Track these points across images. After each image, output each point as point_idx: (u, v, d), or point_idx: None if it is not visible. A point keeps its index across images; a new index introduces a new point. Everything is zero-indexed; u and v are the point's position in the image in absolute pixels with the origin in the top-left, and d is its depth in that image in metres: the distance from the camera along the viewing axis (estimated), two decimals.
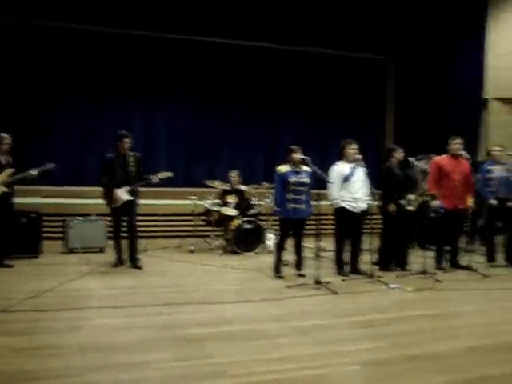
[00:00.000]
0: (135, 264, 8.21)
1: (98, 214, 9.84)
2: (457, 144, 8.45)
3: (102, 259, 8.72)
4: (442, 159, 8.56)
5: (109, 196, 8.07)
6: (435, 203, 8.25)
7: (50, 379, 3.91)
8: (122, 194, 8.01)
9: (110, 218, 8.65)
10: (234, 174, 10.47)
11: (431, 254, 8.75)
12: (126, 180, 8.06)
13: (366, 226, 8.15)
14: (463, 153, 8.45)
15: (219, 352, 4.52)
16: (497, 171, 9.02)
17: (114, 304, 5.99)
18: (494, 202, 8.93)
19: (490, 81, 14.67)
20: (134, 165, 8.16)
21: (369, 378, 4.06)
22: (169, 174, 8.47)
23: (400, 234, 8.42)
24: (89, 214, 9.93)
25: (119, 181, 8.03)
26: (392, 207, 8.13)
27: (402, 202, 8.31)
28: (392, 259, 8.40)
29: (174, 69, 14.14)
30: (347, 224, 7.90)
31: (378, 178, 8.39)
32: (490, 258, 9.07)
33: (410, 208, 8.65)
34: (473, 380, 4.04)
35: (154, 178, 8.25)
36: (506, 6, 14.57)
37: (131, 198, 8.09)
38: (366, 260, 8.11)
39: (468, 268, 8.39)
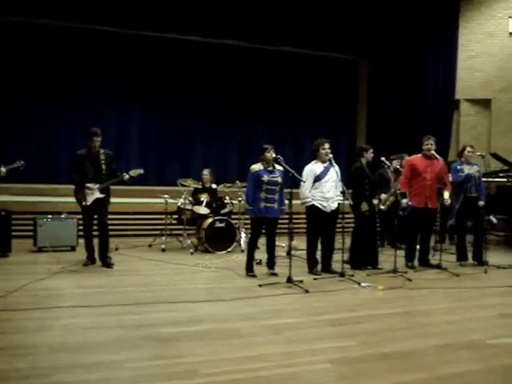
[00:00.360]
0: (106, 263, 8.13)
1: (69, 213, 9.74)
2: (428, 144, 8.56)
3: (73, 258, 8.63)
4: (415, 159, 8.69)
5: (79, 194, 7.97)
6: (404, 201, 8.33)
7: (18, 380, 3.85)
8: (93, 192, 7.93)
9: (80, 216, 8.55)
10: (206, 173, 10.44)
11: (402, 252, 8.84)
12: (97, 178, 7.97)
13: (337, 225, 8.19)
14: (433, 152, 8.54)
15: (190, 351, 4.50)
16: (467, 171, 9.11)
17: (84, 303, 5.93)
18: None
19: (461, 82, 14.88)
20: (105, 162, 8.06)
21: (339, 377, 4.08)
22: (140, 171, 8.40)
23: (371, 233, 8.49)
24: (60, 213, 9.82)
25: (90, 178, 7.92)
26: (364, 207, 8.19)
27: (375, 201, 8.40)
28: (363, 258, 8.46)
29: (146, 67, 14.08)
30: (319, 223, 7.95)
31: (349, 178, 8.44)
32: (461, 257, 9.17)
33: (382, 207, 8.72)
34: (441, 377, 4.09)
35: (126, 176, 8.17)
36: (477, 7, 14.78)
37: (102, 195, 8.00)
38: (338, 259, 8.15)
39: (438, 267, 8.48)
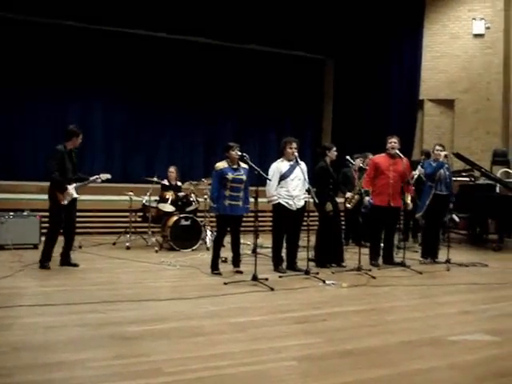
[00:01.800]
0: (71, 262, 7.99)
1: (31, 210, 9.59)
2: (391, 143, 8.65)
3: (36, 256, 8.46)
4: (379, 157, 8.78)
5: (59, 192, 7.67)
6: (367, 199, 8.42)
7: None
8: (72, 191, 7.81)
9: (47, 214, 8.27)
10: (172, 170, 10.39)
11: (367, 250, 8.91)
12: (73, 176, 7.87)
13: (303, 223, 8.22)
14: (396, 151, 8.62)
15: (154, 349, 4.47)
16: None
17: (46, 302, 5.84)
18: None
19: (425, 82, 15.08)
20: (76, 160, 7.98)
21: (304, 374, 4.09)
22: (108, 176, 8.32)
23: (336, 232, 8.55)
24: (22, 210, 9.64)
25: (69, 177, 7.77)
26: (328, 207, 8.25)
27: (340, 200, 8.48)
28: (328, 256, 8.51)
29: (111, 63, 13.96)
30: (284, 221, 7.97)
31: (314, 177, 8.47)
32: (426, 252, 9.26)
33: (348, 206, 8.77)
34: (405, 373, 4.13)
35: (98, 180, 8.11)
36: (442, 9, 14.98)
37: (77, 196, 7.92)
38: (303, 257, 8.18)
39: (402, 264, 8.57)
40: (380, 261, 8.81)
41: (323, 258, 8.47)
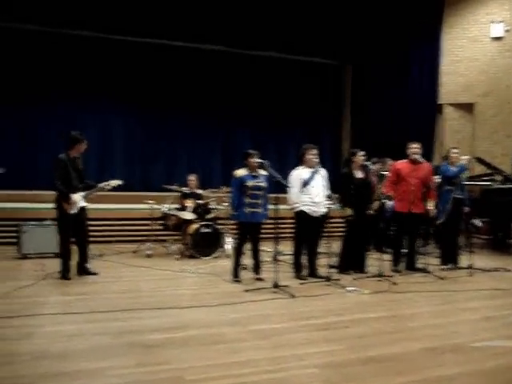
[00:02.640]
0: (89, 271, 7.99)
1: (52, 219, 9.66)
2: (413, 148, 8.60)
3: (57, 265, 8.52)
4: (400, 163, 8.74)
5: (65, 202, 7.58)
6: (389, 203, 8.38)
7: None
8: (79, 200, 7.75)
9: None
10: (192, 178, 10.42)
11: (388, 256, 8.86)
12: (79, 184, 7.79)
13: (324, 230, 8.19)
14: (418, 157, 8.57)
15: (176, 357, 4.47)
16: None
17: (68, 310, 5.88)
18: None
19: (444, 86, 14.98)
20: (81, 168, 7.87)
21: (327, 381, 4.07)
22: (119, 182, 8.19)
23: (361, 238, 8.50)
24: (43, 219, 9.72)
25: (74, 185, 7.68)
26: (348, 211, 8.23)
27: (372, 206, 8.47)
28: (351, 262, 8.47)
29: (130, 73, 14.00)
30: (307, 228, 7.95)
31: (336, 182, 8.45)
32: (445, 260, 9.19)
33: (370, 212, 8.73)
34: (428, 380, 4.09)
35: (107, 187, 8.00)
36: (460, 12, 14.89)
37: (86, 204, 7.86)
38: (324, 263, 8.15)
39: (424, 270, 8.50)
40: (402, 267, 8.75)
41: (346, 264, 8.43)
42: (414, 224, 8.75)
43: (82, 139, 7.81)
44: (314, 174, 7.97)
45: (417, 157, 8.56)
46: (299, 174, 7.99)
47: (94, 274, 7.98)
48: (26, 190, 12.12)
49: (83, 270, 7.97)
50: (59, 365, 4.25)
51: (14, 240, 9.52)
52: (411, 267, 8.77)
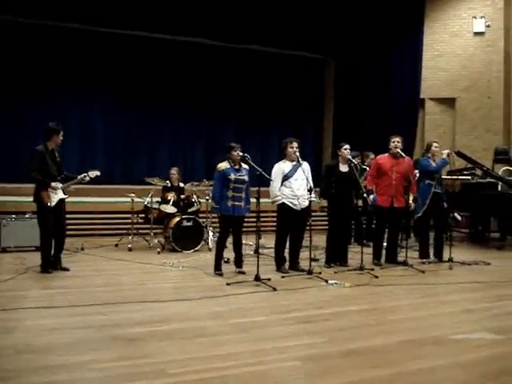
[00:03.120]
0: (62, 266, 7.83)
1: (33, 212, 9.58)
2: (394, 142, 8.65)
3: (38, 258, 8.47)
4: (382, 158, 8.81)
5: (44, 193, 7.51)
6: (371, 197, 8.44)
7: None
8: (58, 191, 7.65)
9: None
10: (174, 171, 10.40)
11: (369, 250, 8.92)
12: (58, 176, 7.68)
13: (306, 223, 8.22)
14: (398, 150, 8.62)
15: (158, 351, 4.47)
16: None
17: (49, 304, 5.85)
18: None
19: (425, 81, 15.07)
20: (59, 160, 7.76)
21: (307, 374, 4.09)
22: (97, 173, 8.04)
23: (343, 231, 8.54)
24: (24, 212, 9.65)
25: (53, 176, 7.58)
26: (322, 203, 8.34)
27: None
28: (335, 256, 8.52)
29: (111, 64, 13.94)
30: (289, 221, 7.97)
31: (318, 176, 8.49)
32: (424, 254, 9.26)
33: (357, 204, 8.79)
34: (408, 373, 4.12)
35: (86, 178, 7.87)
36: (442, 7, 14.99)
37: (65, 196, 7.74)
38: (305, 257, 8.18)
39: (404, 264, 8.57)
40: (382, 260, 8.82)
41: (331, 257, 8.49)
42: (396, 218, 8.81)
43: (58, 130, 7.71)
44: (295, 167, 7.98)
45: (398, 150, 8.62)
46: (281, 167, 8.00)
47: (66, 269, 7.81)
48: (5, 183, 12.00)
49: (55, 265, 7.77)
50: (42, 358, 4.23)
51: None
52: (392, 260, 8.83)
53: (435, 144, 9.34)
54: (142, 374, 3.97)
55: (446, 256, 8.99)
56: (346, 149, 8.44)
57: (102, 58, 13.84)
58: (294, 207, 7.91)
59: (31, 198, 7.72)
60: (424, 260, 9.13)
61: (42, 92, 13.24)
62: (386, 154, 8.82)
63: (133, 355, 4.36)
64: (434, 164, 9.14)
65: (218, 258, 7.84)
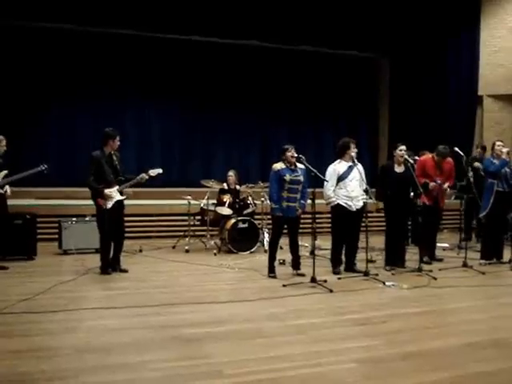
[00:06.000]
0: (120, 267, 7.97)
1: (92, 215, 9.79)
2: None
3: (98, 260, 8.66)
4: (426, 159, 9.02)
5: (100, 197, 7.68)
6: (432, 184, 8.56)
7: (43, 381, 3.90)
8: (114, 193, 7.77)
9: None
10: (231, 174, 10.42)
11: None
12: (115, 179, 7.79)
13: (362, 224, 8.14)
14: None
15: (215, 351, 4.51)
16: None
17: (109, 305, 5.98)
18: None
19: (483, 78, 14.73)
20: (118, 163, 7.88)
21: (365, 376, 4.06)
22: (159, 171, 8.15)
23: (400, 232, 8.43)
24: (83, 215, 9.87)
25: (110, 180, 7.72)
26: (379, 205, 8.29)
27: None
28: (394, 257, 8.39)
29: (168, 68, 14.15)
30: (344, 222, 7.91)
31: (372, 176, 8.42)
32: (485, 255, 9.01)
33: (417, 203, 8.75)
34: (468, 376, 4.05)
35: (145, 177, 7.94)
36: (499, 2, 14.62)
37: (122, 197, 7.84)
38: (362, 258, 8.11)
39: (464, 265, 8.37)
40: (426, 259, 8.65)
41: (390, 258, 8.38)
42: (438, 217, 9.05)
43: (114, 135, 7.84)
44: (350, 168, 7.92)
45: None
46: (336, 168, 7.95)
47: (125, 271, 7.94)
48: (66, 187, 12.32)
49: (114, 267, 7.92)
50: (102, 358, 4.33)
51: (55, 236, 9.69)
52: (432, 257, 8.95)
53: (498, 143, 9.10)
54: (199, 375, 4.02)
55: (506, 257, 8.75)
56: (401, 150, 8.31)
57: (160, 62, 14.06)
58: (349, 208, 7.85)
59: (90, 201, 7.90)
60: (481, 261, 8.88)
61: (100, 97, 13.54)
62: (430, 155, 8.97)
63: (191, 356, 4.41)
64: (496, 162, 8.90)
65: (271, 260, 7.81)
